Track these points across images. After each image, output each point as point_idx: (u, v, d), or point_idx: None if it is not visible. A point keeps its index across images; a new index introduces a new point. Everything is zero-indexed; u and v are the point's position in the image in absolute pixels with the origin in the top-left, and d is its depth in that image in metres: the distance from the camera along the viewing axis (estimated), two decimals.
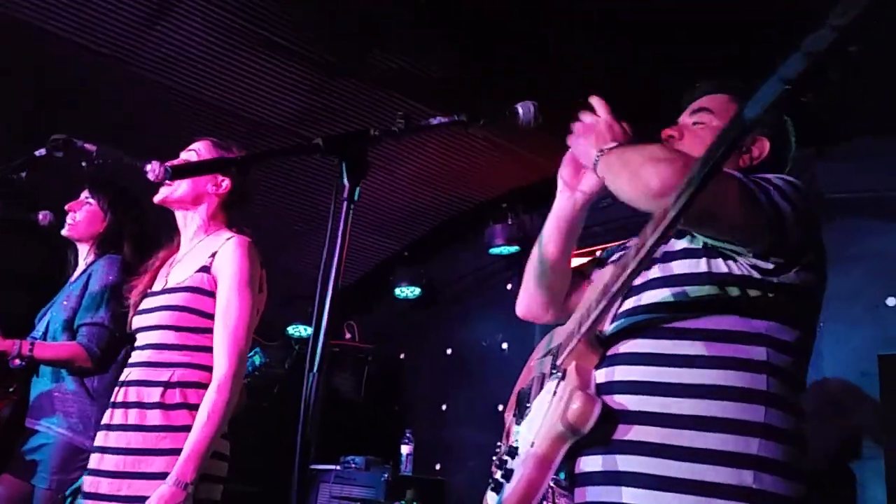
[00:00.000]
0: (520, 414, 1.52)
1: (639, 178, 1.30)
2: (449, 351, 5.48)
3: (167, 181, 2.17)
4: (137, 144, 2.23)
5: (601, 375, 1.39)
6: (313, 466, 4.81)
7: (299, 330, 5.44)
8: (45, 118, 3.57)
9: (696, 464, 1.25)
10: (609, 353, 1.40)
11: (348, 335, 5.76)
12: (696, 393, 1.30)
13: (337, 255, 1.24)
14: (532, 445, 1.36)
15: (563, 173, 1.61)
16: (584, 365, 1.39)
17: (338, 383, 5.53)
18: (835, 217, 3.30)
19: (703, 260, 1.37)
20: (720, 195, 1.26)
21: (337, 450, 4.86)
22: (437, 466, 5.08)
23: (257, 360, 3.82)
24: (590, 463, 1.36)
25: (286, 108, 3.88)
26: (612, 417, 1.32)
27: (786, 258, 1.31)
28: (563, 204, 1.62)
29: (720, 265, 1.35)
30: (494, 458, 1.47)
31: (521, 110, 1.42)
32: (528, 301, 1.71)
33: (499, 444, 1.50)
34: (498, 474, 1.44)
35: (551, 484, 2.44)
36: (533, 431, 1.39)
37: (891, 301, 3.54)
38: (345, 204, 1.28)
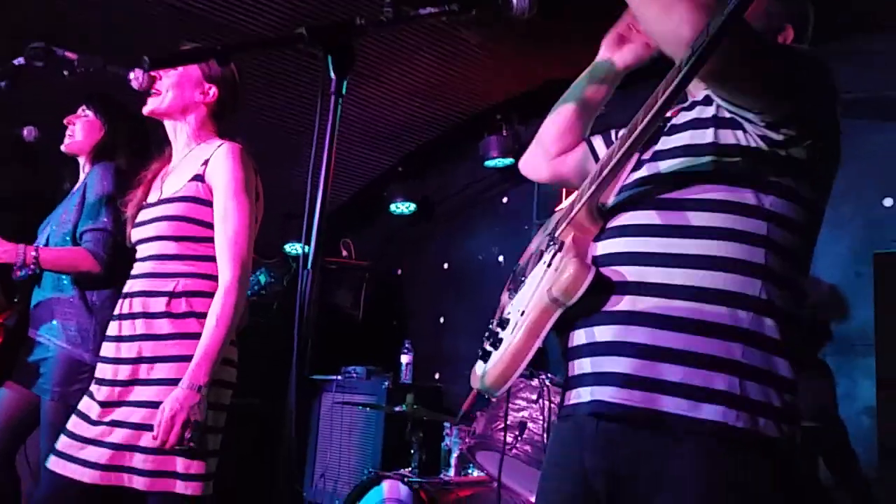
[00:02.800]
0: (514, 288, 1.50)
1: (669, 17, 1.17)
2: (446, 265, 5.50)
3: (153, 89, 2.15)
4: (120, 56, 2.17)
5: (600, 247, 1.35)
6: (315, 377, 4.91)
7: (296, 248, 5.45)
8: (17, 29, 3.44)
9: (690, 335, 1.23)
10: (609, 225, 1.36)
11: (345, 253, 5.76)
12: (693, 263, 1.26)
13: (326, 149, 1.22)
14: (522, 314, 1.35)
15: (607, 40, 1.64)
16: (582, 236, 1.36)
17: (336, 300, 5.56)
18: None
19: (711, 130, 1.31)
20: (748, 50, 1.19)
21: (337, 363, 4.94)
22: (436, 376, 5.19)
23: (262, 278, 3.81)
24: (583, 335, 1.33)
25: (271, 16, 3.76)
26: (608, 288, 1.29)
27: (798, 130, 1.25)
28: (599, 65, 1.65)
29: (728, 136, 1.29)
30: (486, 332, 1.46)
31: None
32: (533, 153, 1.76)
33: (491, 320, 1.49)
34: (487, 344, 1.43)
35: (546, 382, 2.48)
36: (524, 301, 1.38)
37: (888, 202, 3.54)
38: (332, 97, 1.25)
